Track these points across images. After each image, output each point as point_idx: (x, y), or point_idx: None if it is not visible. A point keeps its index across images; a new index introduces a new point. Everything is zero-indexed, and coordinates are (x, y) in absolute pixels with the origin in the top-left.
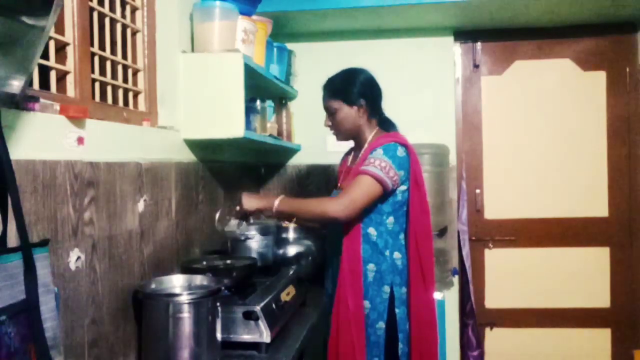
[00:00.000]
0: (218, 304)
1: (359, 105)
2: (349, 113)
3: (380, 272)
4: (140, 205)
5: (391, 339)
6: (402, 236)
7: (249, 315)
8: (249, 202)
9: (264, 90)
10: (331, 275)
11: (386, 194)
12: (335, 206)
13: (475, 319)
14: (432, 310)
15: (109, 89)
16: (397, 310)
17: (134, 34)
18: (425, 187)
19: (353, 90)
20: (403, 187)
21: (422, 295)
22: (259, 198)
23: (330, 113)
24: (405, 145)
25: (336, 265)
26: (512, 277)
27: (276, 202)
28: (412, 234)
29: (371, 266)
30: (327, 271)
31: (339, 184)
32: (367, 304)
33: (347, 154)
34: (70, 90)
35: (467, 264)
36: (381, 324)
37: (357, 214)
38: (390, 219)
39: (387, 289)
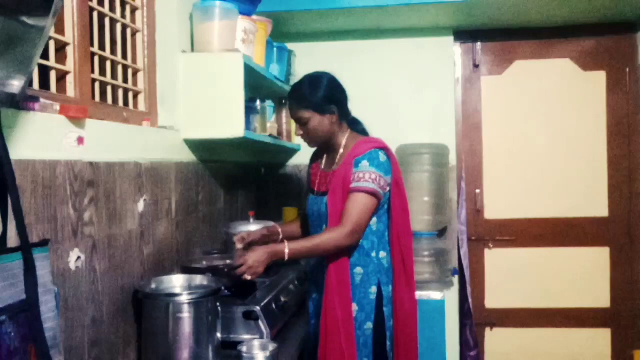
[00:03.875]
0: (218, 304)
1: (331, 113)
2: (321, 122)
3: (367, 274)
4: (140, 205)
5: (379, 337)
6: (386, 234)
7: (249, 315)
8: (257, 259)
9: (264, 90)
10: (314, 280)
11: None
12: (344, 236)
13: (473, 319)
14: (414, 306)
15: (109, 89)
16: (384, 309)
17: (134, 34)
18: (404, 186)
19: (322, 98)
20: (387, 188)
21: (405, 292)
22: (266, 252)
23: (302, 123)
24: (384, 148)
25: (317, 267)
26: (512, 277)
27: (286, 253)
28: (395, 233)
29: (358, 269)
30: (310, 273)
31: (315, 189)
32: (354, 306)
33: (317, 156)
34: (70, 90)
35: (465, 264)
36: (369, 325)
37: (364, 232)
38: (374, 219)
39: (374, 289)
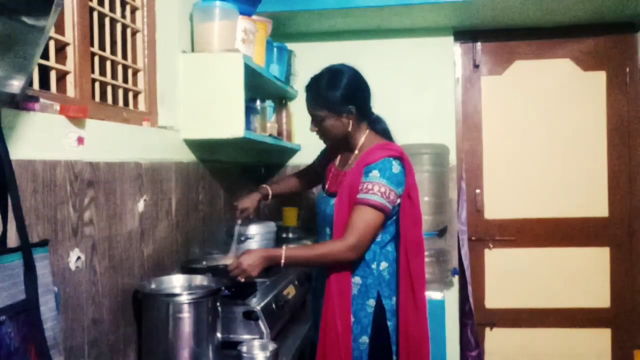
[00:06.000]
0: (218, 304)
1: (348, 113)
2: (337, 122)
3: (366, 286)
4: (140, 205)
5: (377, 353)
6: (390, 245)
7: (249, 315)
8: (252, 263)
9: (264, 90)
10: (315, 282)
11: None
12: (345, 250)
13: (474, 319)
14: (423, 328)
15: (109, 89)
16: (389, 323)
17: (134, 34)
18: (418, 197)
19: (340, 97)
20: (397, 201)
21: (412, 312)
22: (261, 257)
23: (317, 120)
24: (400, 157)
25: (319, 271)
26: (512, 277)
27: (282, 259)
28: (403, 247)
29: (356, 279)
30: (313, 275)
31: (326, 186)
32: (351, 318)
33: (334, 152)
34: (70, 90)
35: (466, 264)
36: (365, 339)
37: (368, 248)
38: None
39: (372, 302)
